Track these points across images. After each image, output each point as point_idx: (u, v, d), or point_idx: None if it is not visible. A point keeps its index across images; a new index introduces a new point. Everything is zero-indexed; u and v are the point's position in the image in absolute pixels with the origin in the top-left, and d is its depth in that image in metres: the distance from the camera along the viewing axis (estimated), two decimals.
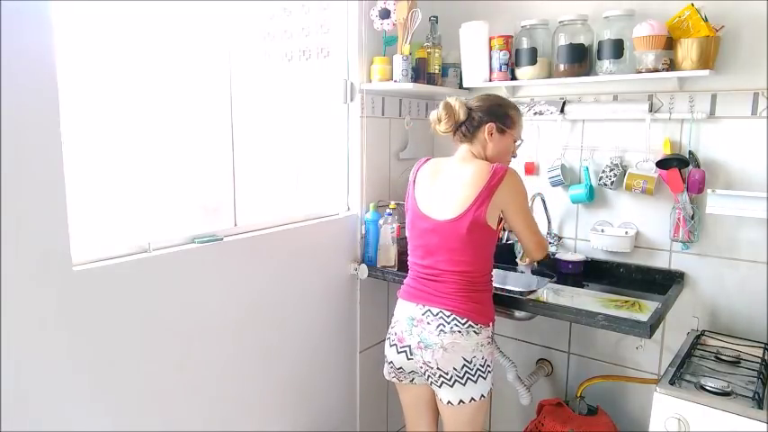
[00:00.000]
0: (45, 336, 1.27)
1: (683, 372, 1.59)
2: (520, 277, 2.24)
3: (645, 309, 1.75)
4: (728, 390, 1.47)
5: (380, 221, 2.13)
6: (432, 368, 1.66)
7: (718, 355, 1.72)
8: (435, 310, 1.65)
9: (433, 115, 1.75)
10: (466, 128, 1.73)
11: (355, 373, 2.31)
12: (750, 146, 1.83)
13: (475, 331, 1.64)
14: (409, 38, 2.09)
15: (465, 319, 1.63)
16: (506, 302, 1.88)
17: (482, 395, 1.68)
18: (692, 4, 1.77)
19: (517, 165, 2.31)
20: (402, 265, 2.15)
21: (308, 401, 2.08)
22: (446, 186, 1.69)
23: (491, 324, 1.71)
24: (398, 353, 1.73)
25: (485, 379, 1.67)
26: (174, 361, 1.57)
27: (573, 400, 2.09)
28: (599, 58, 1.98)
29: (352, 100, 2.13)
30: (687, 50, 1.77)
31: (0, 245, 1.15)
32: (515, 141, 1.77)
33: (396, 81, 2.08)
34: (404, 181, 2.38)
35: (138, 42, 1.48)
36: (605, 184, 2.04)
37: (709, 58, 1.77)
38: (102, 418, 1.41)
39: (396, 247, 2.13)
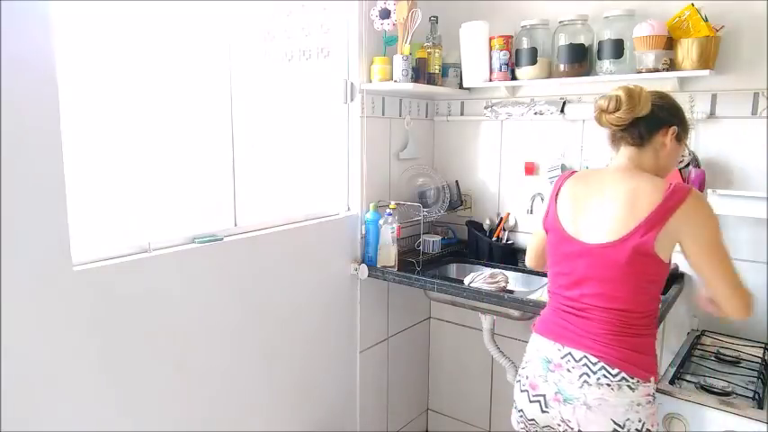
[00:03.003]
0: (45, 336, 1.27)
1: (683, 372, 1.59)
2: (519, 277, 2.24)
3: None
4: (728, 390, 1.47)
5: (380, 221, 2.13)
6: (572, 429, 1.34)
7: (719, 355, 1.72)
8: (578, 354, 1.33)
9: (605, 101, 1.34)
10: (643, 126, 1.35)
11: (355, 373, 2.31)
12: (750, 146, 1.83)
13: (630, 386, 1.29)
14: (409, 38, 2.08)
15: (617, 371, 1.29)
16: (506, 302, 1.88)
17: None
18: (692, 4, 1.77)
19: (517, 165, 2.32)
20: (402, 264, 2.16)
21: (308, 401, 2.08)
22: (602, 203, 1.35)
23: (653, 379, 1.33)
24: (531, 402, 1.42)
25: None
26: (174, 361, 1.57)
27: None
28: (599, 58, 1.98)
29: (352, 100, 2.13)
30: (687, 50, 1.77)
31: (0, 245, 1.15)
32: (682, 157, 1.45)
33: (396, 81, 2.08)
34: (404, 181, 2.39)
35: (139, 42, 1.48)
36: None
37: (709, 58, 1.77)
38: (101, 418, 1.41)
39: (396, 247, 2.13)
